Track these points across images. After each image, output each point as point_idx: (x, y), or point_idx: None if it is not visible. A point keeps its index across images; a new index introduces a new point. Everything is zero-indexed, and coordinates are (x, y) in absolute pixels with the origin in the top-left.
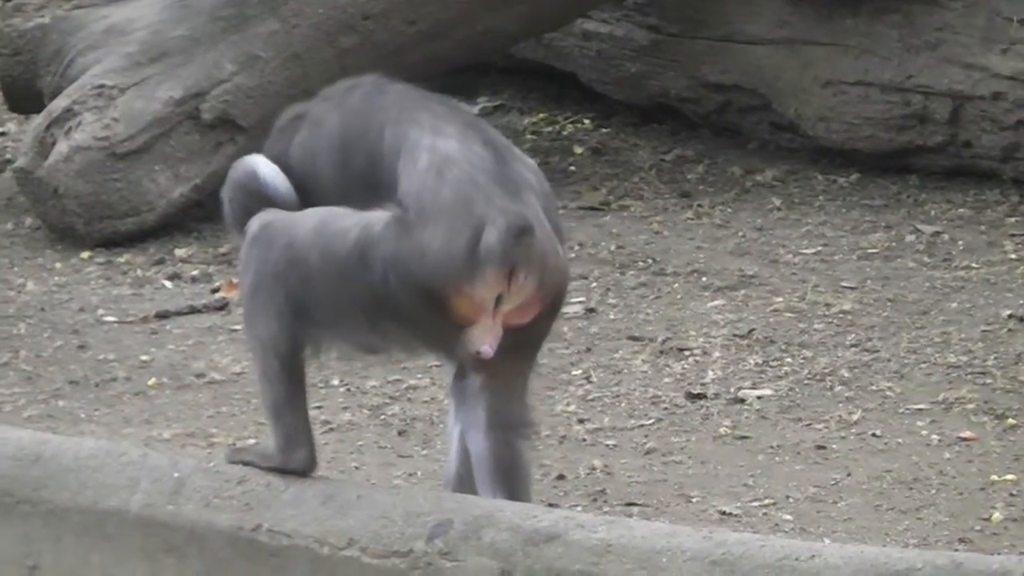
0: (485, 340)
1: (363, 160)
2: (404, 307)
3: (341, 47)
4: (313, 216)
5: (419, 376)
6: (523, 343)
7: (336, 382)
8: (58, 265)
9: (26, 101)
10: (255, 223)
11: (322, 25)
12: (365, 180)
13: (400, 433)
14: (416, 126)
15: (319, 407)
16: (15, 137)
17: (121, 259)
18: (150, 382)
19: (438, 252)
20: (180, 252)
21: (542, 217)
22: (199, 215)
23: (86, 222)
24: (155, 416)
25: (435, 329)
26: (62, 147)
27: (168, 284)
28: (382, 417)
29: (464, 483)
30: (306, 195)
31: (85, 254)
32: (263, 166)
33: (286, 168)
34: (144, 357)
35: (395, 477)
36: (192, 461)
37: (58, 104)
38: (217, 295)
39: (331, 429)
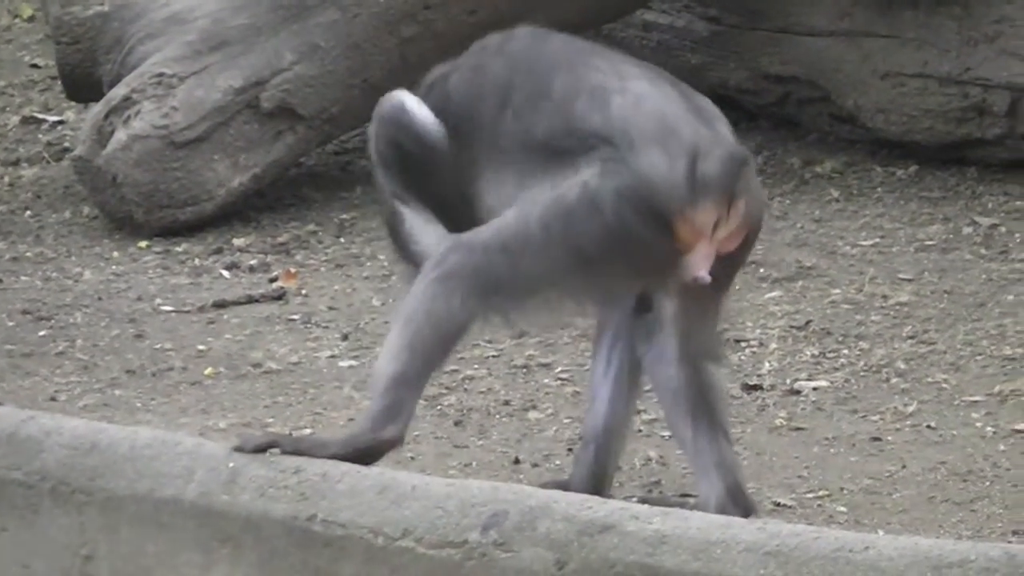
0: (703, 265)
1: (534, 105)
2: (634, 239)
3: (401, 36)
4: (514, 209)
5: (475, 367)
6: (724, 271)
7: None
8: (116, 254)
9: (85, 90)
10: (443, 247)
11: (383, 15)
12: (536, 124)
13: (456, 423)
14: (596, 71)
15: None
16: (74, 126)
17: (179, 248)
18: (207, 371)
19: (663, 178)
20: (238, 241)
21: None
22: (258, 204)
23: (144, 211)
24: (211, 406)
25: (656, 258)
26: (121, 136)
27: (226, 273)
28: (438, 407)
29: (611, 437)
30: (461, 139)
31: (143, 243)
32: (411, 100)
33: (438, 113)
34: (201, 347)
35: (451, 468)
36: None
37: (117, 92)
38: (275, 284)
39: None
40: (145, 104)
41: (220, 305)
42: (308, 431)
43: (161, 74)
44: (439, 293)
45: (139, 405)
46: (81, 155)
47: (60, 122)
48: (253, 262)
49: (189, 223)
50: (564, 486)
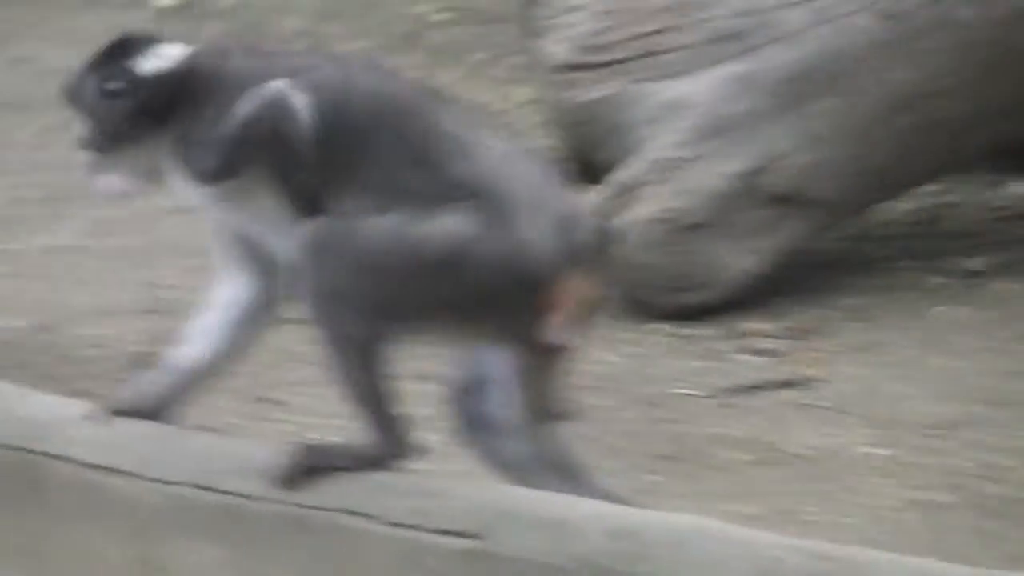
0: (567, 330)
1: (396, 149)
2: (497, 297)
3: (901, 125)
4: (384, 224)
5: None
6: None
7: None
8: (631, 336)
9: (586, 173)
10: (313, 229)
11: (882, 102)
12: (398, 169)
13: None
14: (449, 119)
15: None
16: None
17: (690, 331)
18: (731, 456)
19: (538, 245)
20: (750, 325)
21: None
22: (766, 289)
23: (656, 294)
24: (741, 492)
25: (518, 317)
26: (622, 220)
27: (741, 357)
28: None
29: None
30: (322, 150)
31: (656, 326)
32: (299, 97)
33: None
34: (722, 431)
35: None
36: (786, 540)
37: (619, 178)
38: (792, 369)
39: None
40: (648, 189)
41: (738, 390)
42: (848, 520)
43: (663, 159)
44: (339, 312)
45: (671, 490)
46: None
47: None
48: (767, 346)
49: (700, 306)
50: (128, 402)
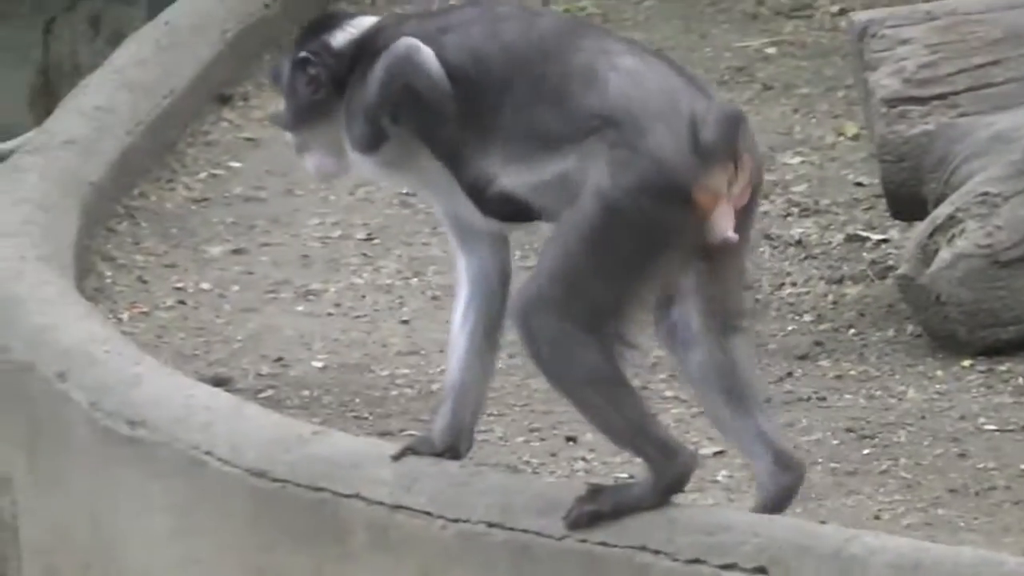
0: (727, 225)
1: (530, 98)
2: (663, 224)
3: None
4: (548, 248)
5: None
6: (742, 227)
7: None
8: (939, 373)
9: (909, 208)
10: (511, 308)
11: None
12: (534, 118)
13: None
14: (581, 51)
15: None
16: (898, 244)
17: (1003, 367)
18: None
19: (672, 155)
20: None
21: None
22: None
23: (968, 330)
24: None
25: (686, 231)
26: (945, 255)
27: None
28: None
29: (467, 392)
30: (461, 104)
31: (966, 362)
32: (426, 49)
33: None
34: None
35: None
36: None
37: (942, 211)
38: None
39: None
40: (970, 223)
41: None
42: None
43: (986, 193)
44: (567, 362)
45: (962, 524)
46: (905, 273)
47: (884, 240)
48: None
49: (1013, 342)
50: (426, 441)
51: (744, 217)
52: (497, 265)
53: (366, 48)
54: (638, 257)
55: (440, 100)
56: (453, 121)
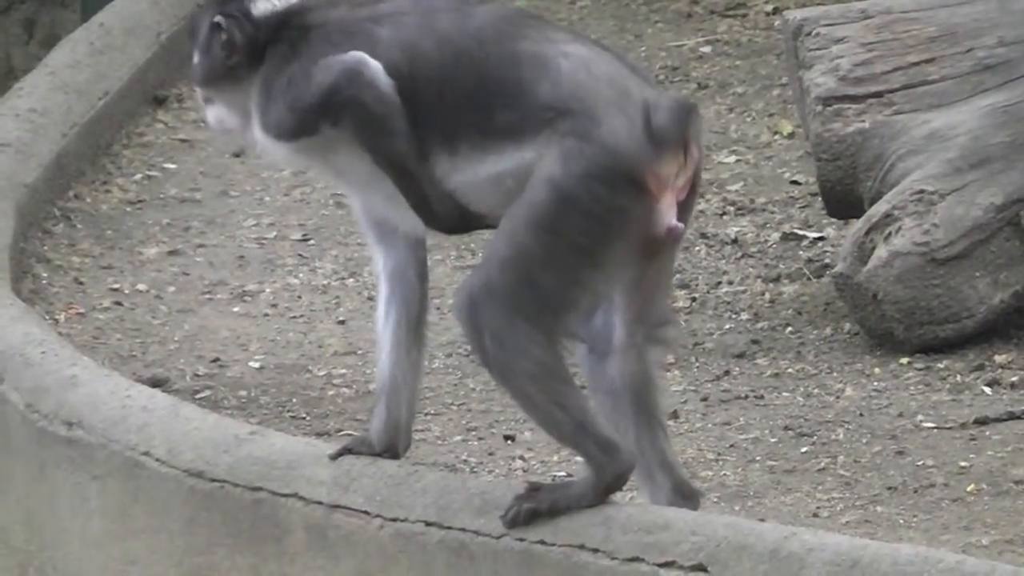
0: (672, 215)
1: (478, 89)
2: (615, 212)
3: None
4: (498, 236)
5: None
6: (682, 218)
7: None
8: (876, 371)
9: (845, 206)
10: (456, 303)
11: None
12: (484, 108)
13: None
14: (527, 40)
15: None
16: (834, 242)
17: (940, 365)
18: (968, 488)
19: (626, 140)
20: (999, 358)
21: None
22: (1019, 321)
23: (905, 328)
24: (973, 523)
25: (637, 219)
26: (881, 252)
27: (987, 390)
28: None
29: (398, 388)
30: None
31: (904, 360)
32: (373, 63)
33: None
34: (963, 463)
35: None
36: (1010, 568)
37: (878, 209)
38: None
39: None
40: (906, 221)
41: (982, 422)
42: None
43: (921, 191)
44: (513, 355)
45: (901, 522)
46: (842, 271)
47: (820, 238)
48: (1015, 379)
49: (949, 340)
50: (364, 442)
51: (682, 213)
52: (414, 260)
53: (290, 23)
54: (589, 245)
55: (388, 115)
56: (402, 135)
